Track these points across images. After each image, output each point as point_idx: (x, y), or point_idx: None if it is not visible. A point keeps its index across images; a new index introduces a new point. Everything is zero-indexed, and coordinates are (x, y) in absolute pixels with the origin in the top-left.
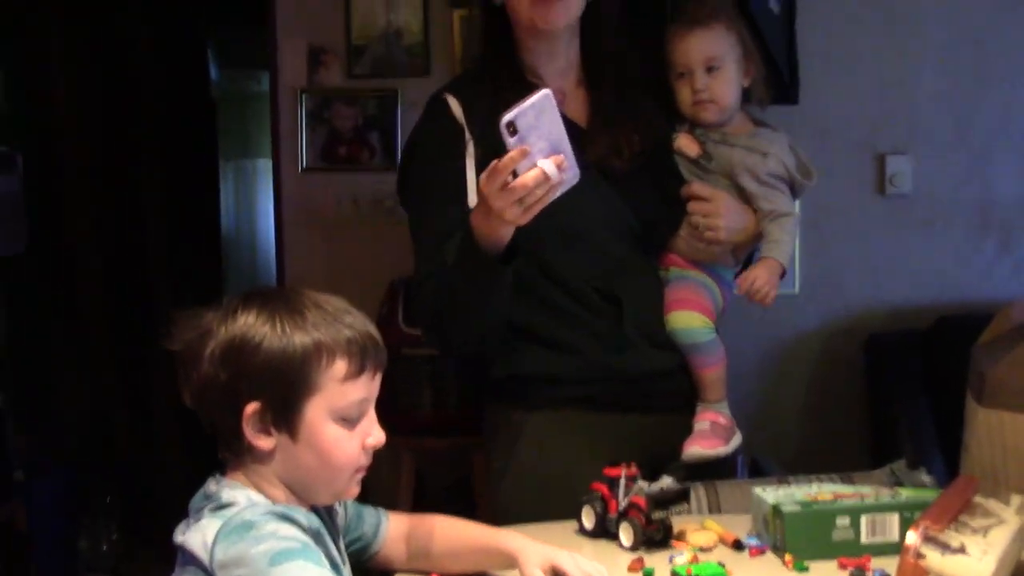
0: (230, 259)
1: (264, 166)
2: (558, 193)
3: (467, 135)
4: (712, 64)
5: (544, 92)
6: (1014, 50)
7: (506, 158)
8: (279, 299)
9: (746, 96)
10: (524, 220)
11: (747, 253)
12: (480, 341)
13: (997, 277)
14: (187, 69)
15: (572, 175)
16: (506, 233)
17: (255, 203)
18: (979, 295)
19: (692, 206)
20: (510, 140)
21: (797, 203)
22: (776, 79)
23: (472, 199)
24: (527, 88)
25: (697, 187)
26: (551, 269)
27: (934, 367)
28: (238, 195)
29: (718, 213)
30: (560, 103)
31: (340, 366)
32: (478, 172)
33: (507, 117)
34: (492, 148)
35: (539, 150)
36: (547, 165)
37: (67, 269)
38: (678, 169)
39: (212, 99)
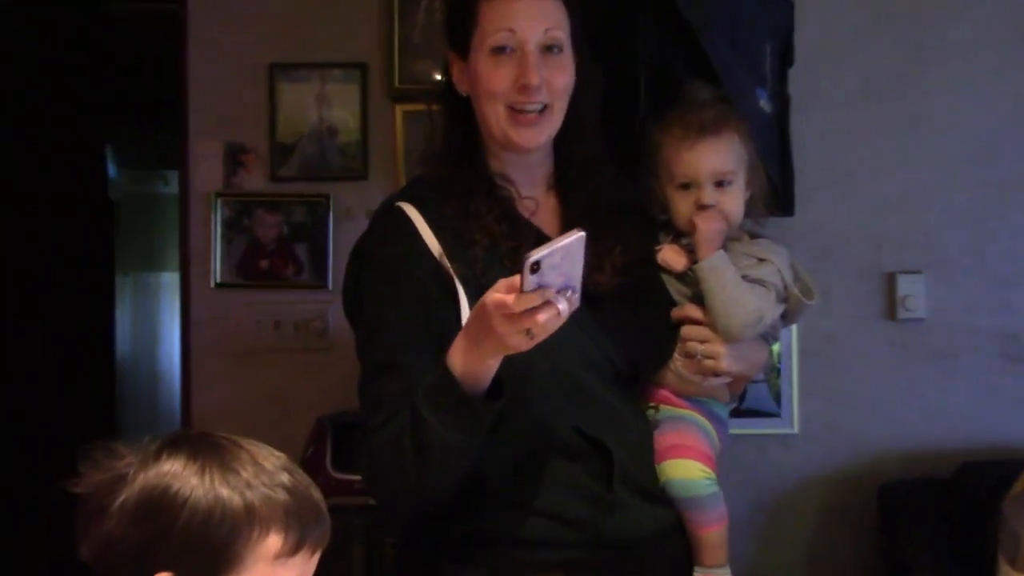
0: (126, 390)
1: (170, 281)
2: (561, 322)
3: (435, 252)
4: (724, 178)
5: (579, 236)
6: None
7: (524, 300)
8: (212, 449)
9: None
10: (526, 348)
11: (744, 386)
12: (435, 504)
13: None
14: (82, 167)
15: (575, 303)
16: (493, 365)
17: (158, 324)
18: (1007, 436)
19: (687, 331)
20: (530, 278)
21: (794, 332)
22: (768, 188)
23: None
24: (500, 196)
25: (691, 309)
26: (526, 410)
27: (957, 521)
28: (138, 314)
29: (718, 338)
30: (532, 213)
31: (273, 542)
32: (466, 292)
33: (535, 257)
34: (468, 263)
35: (553, 285)
36: (562, 305)
37: None
38: (664, 287)
39: (110, 202)
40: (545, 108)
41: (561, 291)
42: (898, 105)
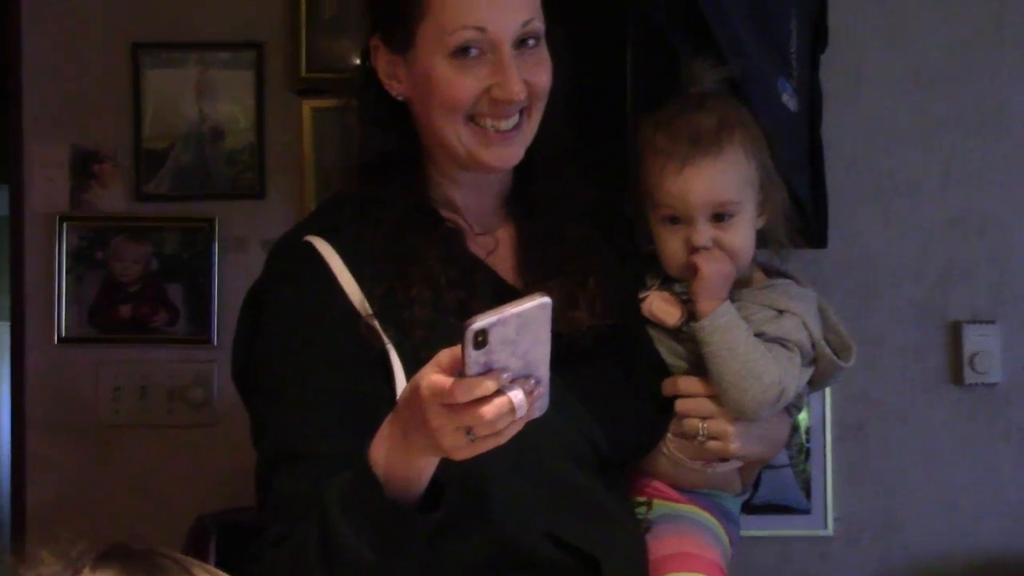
0: None
1: None
2: (518, 428)
3: (359, 306)
4: (724, 210)
5: (541, 303)
6: None
7: (466, 386)
8: (150, 568)
9: (759, 241)
10: (465, 455)
11: (758, 472)
12: None
13: None
14: None
15: (540, 407)
16: (427, 466)
17: None
18: None
19: (685, 405)
20: (473, 352)
21: (828, 398)
22: (793, 210)
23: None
24: (445, 230)
25: (688, 384)
26: (483, 514)
27: None
28: None
29: (723, 412)
30: (489, 252)
31: None
32: (403, 362)
33: (479, 324)
34: (404, 327)
35: (508, 369)
36: (516, 396)
37: None
38: (651, 345)
39: None
40: (521, 114)
41: (519, 380)
42: (967, 96)
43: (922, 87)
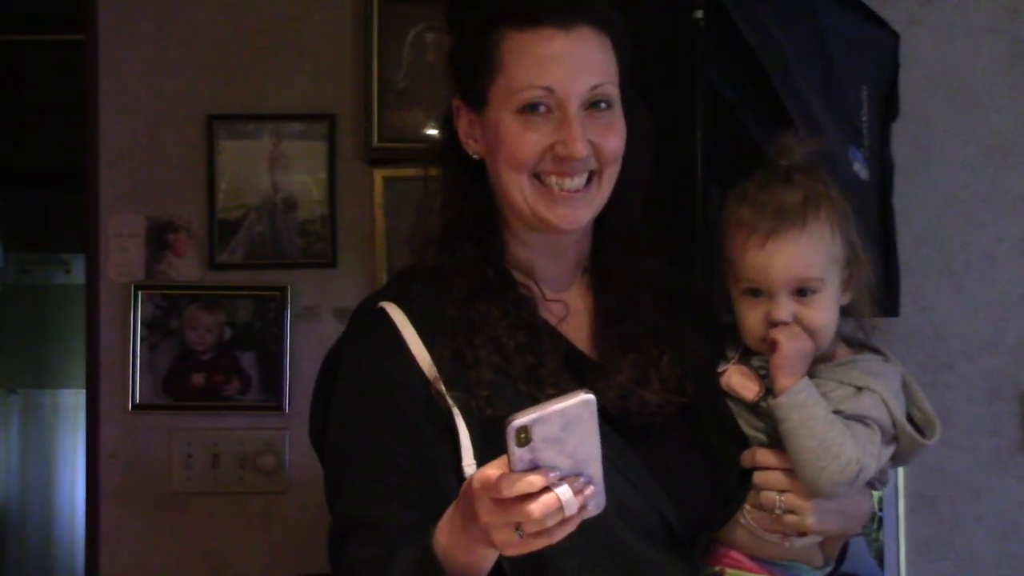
0: (10, 544)
1: (73, 401)
2: (571, 528)
3: (428, 372)
4: (806, 286)
5: (584, 399)
6: None
7: (512, 482)
8: None
9: (841, 312)
10: (515, 552)
11: (841, 545)
12: None
13: None
14: None
15: (595, 505)
16: (488, 554)
17: (55, 458)
18: None
19: (762, 478)
20: (517, 449)
21: (901, 468)
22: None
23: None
24: (516, 297)
25: (765, 456)
26: None
27: None
28: (28, 444)
29: (800, 487)
30: (560, 320)
31: None
32: (468, 425)
33: (519, 421)
34: (470, 389)
35: (556, 468)
36: (564, 494)
37: None
38: (729, 412)
39: None
40: (591, 177)
41: (569, 478)
42: None
43: (994, 161)
